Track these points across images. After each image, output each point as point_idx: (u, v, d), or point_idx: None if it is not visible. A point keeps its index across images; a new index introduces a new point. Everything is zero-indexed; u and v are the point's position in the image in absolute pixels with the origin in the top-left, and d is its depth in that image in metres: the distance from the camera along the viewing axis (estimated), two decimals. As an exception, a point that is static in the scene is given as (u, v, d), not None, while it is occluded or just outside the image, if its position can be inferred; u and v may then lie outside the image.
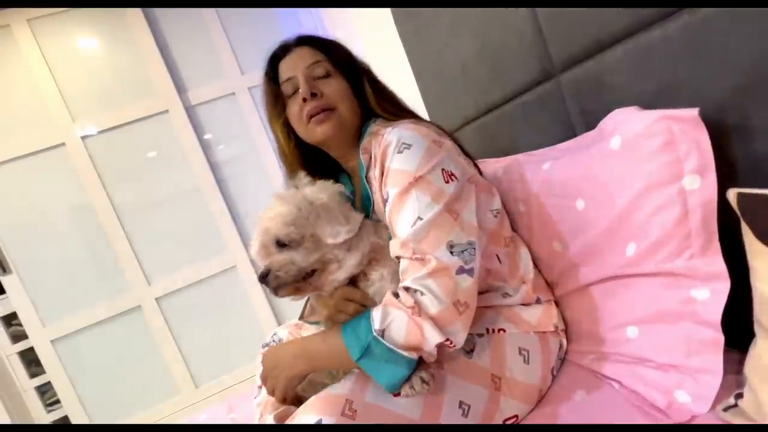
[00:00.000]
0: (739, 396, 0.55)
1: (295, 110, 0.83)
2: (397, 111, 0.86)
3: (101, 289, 2.15)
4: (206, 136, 2.34)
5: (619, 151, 0.68)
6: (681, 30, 0.65)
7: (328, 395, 0.63)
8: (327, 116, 0.81)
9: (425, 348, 0.63)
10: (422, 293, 0.64)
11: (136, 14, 2.19)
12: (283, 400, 0.77)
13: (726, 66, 0.61)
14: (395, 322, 0.64)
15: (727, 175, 0.61)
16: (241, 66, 2.36)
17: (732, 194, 0.55)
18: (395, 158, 0.71)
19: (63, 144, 2.11)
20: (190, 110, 2.28)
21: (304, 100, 0.80)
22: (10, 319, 2.15)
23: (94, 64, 2.19)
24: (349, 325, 0.69)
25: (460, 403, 0.67)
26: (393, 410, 0.63)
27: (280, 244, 0.71)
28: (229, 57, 2.34)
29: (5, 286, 2.05)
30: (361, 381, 0.66)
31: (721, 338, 0.60)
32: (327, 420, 0.58)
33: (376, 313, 0.66)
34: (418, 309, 0.63)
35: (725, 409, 0.57)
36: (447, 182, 0.69)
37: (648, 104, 0.71)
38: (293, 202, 0.73)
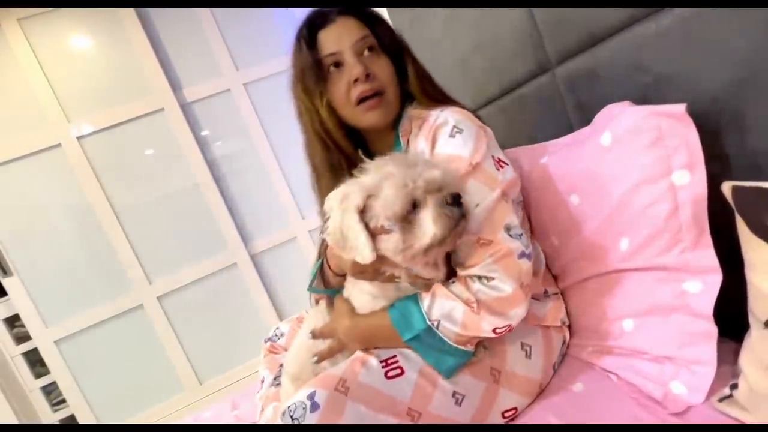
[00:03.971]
0: (734, 386, 0.56)
1: (342, 89, 0.77)
2: (440, 96, 0.83)
3: (102, 289, 2.16)
4: (203, 133, 2.33)
5: (610, 147, 0.69)
6: (676, 23, 0.65)
7: (325, 375, 0.67)
8: (378, 102, 0.78)
9: (481, 336, 0.67)
10: (491, 278, 0.66)
11: (128, 11, 2.16)
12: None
13: (721, 59, 0.61)
14: (453, 312, 0.66)
15: (721, 168, 0.61)
16: (236, 62, 2.34)
17: (726, 187, 0.55)
18: (449, 142, 0.71)
19: (59, 145, 2.10)
20: (185, 108, 2.27)
21: (356, 80, 0.76)
22: (13, 321, 2.16)
23: (88, 62, 2.16)
24: (396, 308, 0.70)
25: (454, 393, 0.68)
26: (383, 391, 0.65)
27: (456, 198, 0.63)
28: (224, 53, 2.32)
29: (7, 288, 2.06)
30: (357, 364, 0.68)
31: (714, 330, 0.60)
32: (321, 392, 0.62)
33: (428, 302, 0.68)
34: (476, 302, 0.65)
35: (720, 400, 0.58)
36: (498, 169, 0.71)
37: (644, 97, 0.71)
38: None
